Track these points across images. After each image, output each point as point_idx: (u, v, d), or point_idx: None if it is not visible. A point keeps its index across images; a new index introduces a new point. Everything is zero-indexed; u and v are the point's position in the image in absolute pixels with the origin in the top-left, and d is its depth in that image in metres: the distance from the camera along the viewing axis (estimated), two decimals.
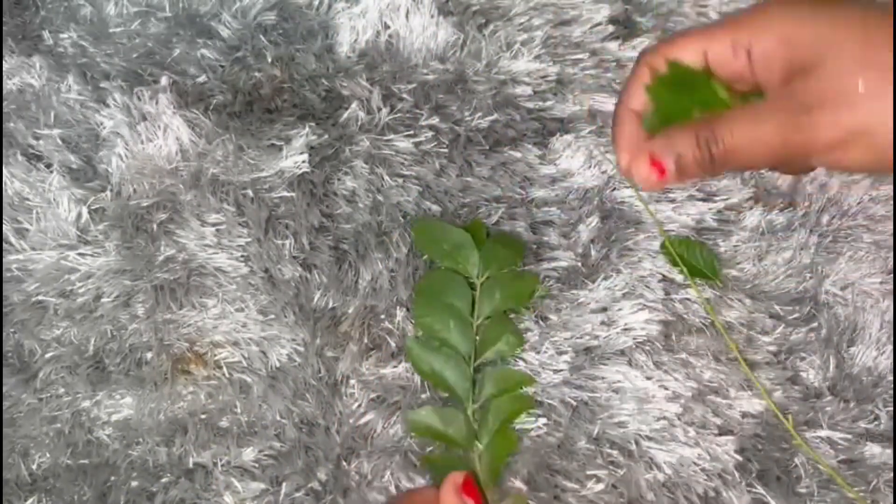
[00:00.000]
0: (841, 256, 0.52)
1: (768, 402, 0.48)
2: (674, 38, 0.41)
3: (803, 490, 0.47)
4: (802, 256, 0.52)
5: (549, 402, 0.48)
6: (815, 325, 0.50)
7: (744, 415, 0.48)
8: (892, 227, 0.52)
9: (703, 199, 0.53)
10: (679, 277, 0.51)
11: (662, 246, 0.51)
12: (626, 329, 0.49)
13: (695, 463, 0.47)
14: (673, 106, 0.41)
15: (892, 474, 0.47)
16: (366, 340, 0.49)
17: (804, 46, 0.37)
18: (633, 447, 0.47)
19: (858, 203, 0.53)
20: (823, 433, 0.48)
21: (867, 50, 0.36)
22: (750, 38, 0.39)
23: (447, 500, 0.43)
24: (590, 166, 0.53)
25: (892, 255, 0.52)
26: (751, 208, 0.53)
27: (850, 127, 0.36)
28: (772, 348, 0.50)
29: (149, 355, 0.49)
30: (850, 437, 0.48)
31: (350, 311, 0.50)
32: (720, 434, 0.48)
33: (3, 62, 0.54)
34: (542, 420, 0.48)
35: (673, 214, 0.52)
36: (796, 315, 0.50)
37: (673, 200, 0.53)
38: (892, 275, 0.51)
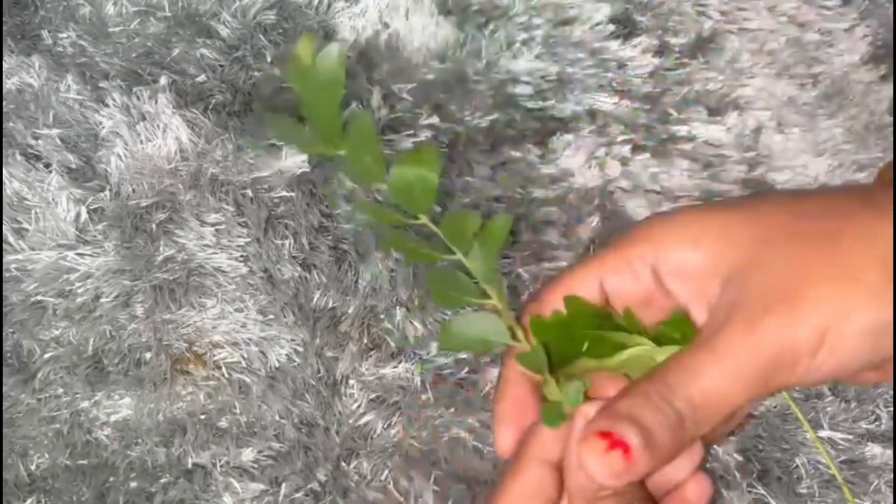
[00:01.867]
0: None
1: (788, 401, 0.48)
2: (558, 277, 0.34)
3: (804, 490, 0.47)
4: None
5: None
6: None
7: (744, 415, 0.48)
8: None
9: None
10: None
11: None
12: None
13: None
14: (569, 356, 0.33)
15: (892, 475, 0.47)
16: (365, 340, 0.49)
17: (728, 246, 0.31)
18: None
19: None
20: (825, 433, 0.48)
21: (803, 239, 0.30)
22: (653, 251, 0.32)
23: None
24: (590, 166, 0.53)
25: None
26: None
27: (819, 323, 0.29)
28: None
29: (148, 355, 0.49)
30: (851, 437, 0.48)
31: (350, 311, 0.50)
32: None
33: (3, 62, 0.54)
34: None
35: None
36: None
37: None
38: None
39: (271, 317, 0.49)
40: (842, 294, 0.30)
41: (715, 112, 0.55)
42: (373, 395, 0.48)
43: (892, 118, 0.56)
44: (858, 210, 0.31)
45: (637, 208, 0.52)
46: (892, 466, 0.47)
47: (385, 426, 0.48)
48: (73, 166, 0.51)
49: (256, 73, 0.54)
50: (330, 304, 0.50)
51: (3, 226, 0.50)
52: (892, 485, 0.47)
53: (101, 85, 0.53)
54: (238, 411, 0.48)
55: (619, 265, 0.33)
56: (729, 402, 0.30)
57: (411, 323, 0.49)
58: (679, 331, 0.33)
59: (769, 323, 0.30)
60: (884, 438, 0.48)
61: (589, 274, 0.34)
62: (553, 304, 0.34)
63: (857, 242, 0.30)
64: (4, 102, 0.53)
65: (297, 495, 0.47)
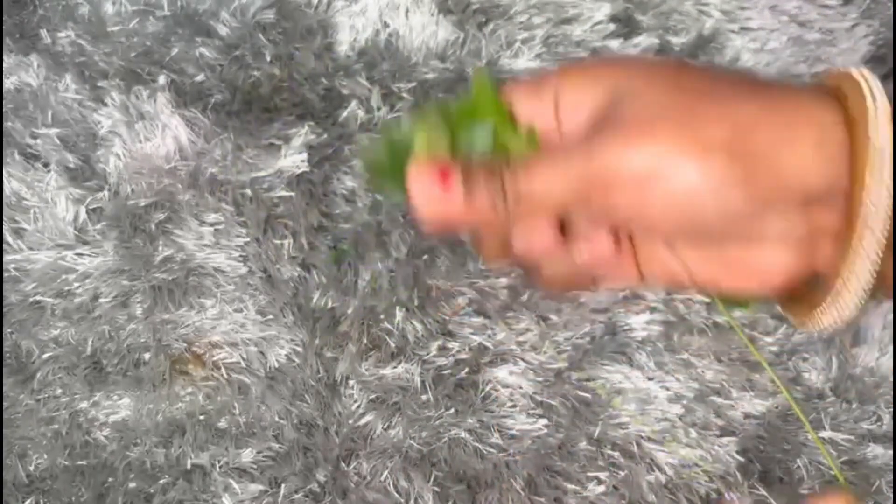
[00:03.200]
0: None
1: (789, 400, 0.48)
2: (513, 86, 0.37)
3: (806, 491, 0.47)
4: None
5: (550, 402, 0.48)
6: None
7: (746, 416, 0.48)
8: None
9: None
10: None
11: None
12: (627, 329, 0.49)
13: (697, 464, 0.47)
14: (467, 133, 0.36)
15: (892, 476, 0.47)
16: (365, 341, 0.49)
17: (609, 90, 0.34)
18: (635, 448, 0.47)
19: None
20: (826, 434, 0.48)
21: (672, 90, 0.33)
22: (563, 86, 0.35)
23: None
24: None
25: None
26: None
27: (646, 161, 0.32)
28: (774, 349, 0.49)
29: (147, 356, 0.49)
30: (852, 438, 0.48)
31: (349, 311, 0.49)
32: (722, 435, 0.47)
33: (2, 61, 0.54)
34: (543, 421, 0.47)
35: None
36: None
37: None
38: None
39: (270, 317, 0.49)
40: (680, 143, 0.31)
41: None
42: (372, 396, 0.48)
43: None
44: (747, 87, 0.33)
45: None
46: (892, 467, 0.47)
47: (385, 427, 0.48)
48: (72, 166, 0.51)
49: (256, 73, 0.54)
50: (329, 305, 0.50)
51: (3, 225, 0.50)
52: (892, 485, 0.47)
53: (99, 84, 0.53)
54: (237, 412, 0.48)
55: (531, 91, 0.36)
56: (550, 196, 0.34)
57: (411, 323, 0.49)
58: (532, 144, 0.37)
59: (609, 143, 0.32)
60: (885, 439, 0.48)
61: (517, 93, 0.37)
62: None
63: (722, 105, 0.32)
64: (3, 102, 0.53)
65: (297, 496, 0.47)
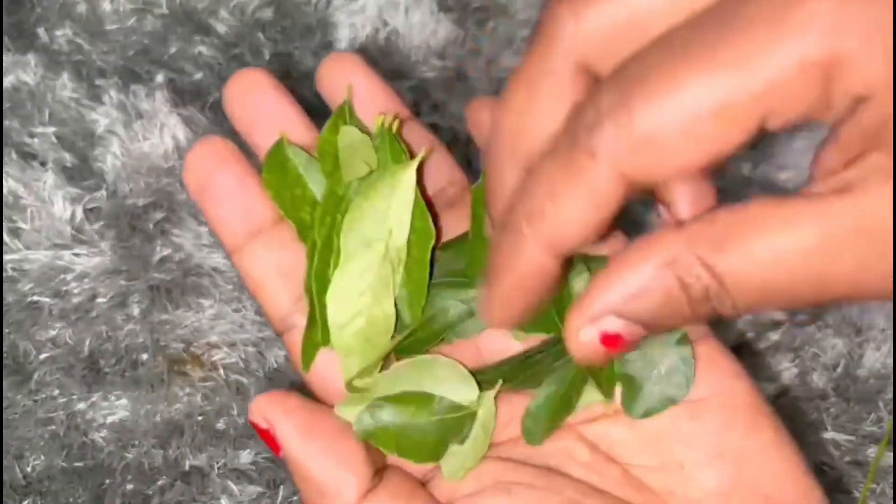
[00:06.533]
0: None
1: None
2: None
3: None
4: None
5: None
6: (820, 325, 0.50)
7: None
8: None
9: None
10: None
11: None
12: None
13: None
14: None
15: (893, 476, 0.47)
16: None
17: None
18: None
19: None
20: (828, 435, 0.47)
21: None
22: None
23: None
24: None
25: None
26: None
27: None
28: (776, 338, 0.49)
29: (144, 356, 0.48)
30: (854, 438, 0.47)
31: None
32: None
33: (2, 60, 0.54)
34: None
35: None
36: (802, 315, 0.50)
37: None
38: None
39: None
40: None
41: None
42: None
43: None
44: None
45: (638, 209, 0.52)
46: (893, 467, 0.47)
47: None
48: (69, 165, 0.51)
49: None
50: None
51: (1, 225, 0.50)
52: (893, 486, 0.46)
53: (97, 83, 0.53)
54: (236, 413, 0.48)
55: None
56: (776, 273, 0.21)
57: None
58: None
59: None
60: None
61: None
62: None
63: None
64: (1, 100, 0.53)
65: (295, 498, 0.46)
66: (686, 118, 0.21)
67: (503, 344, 0.31)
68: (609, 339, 0.23)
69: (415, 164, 0.30)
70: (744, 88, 0.20)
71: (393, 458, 0.29)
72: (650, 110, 0.21)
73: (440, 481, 0.29)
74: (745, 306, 0.22)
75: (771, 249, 0.21)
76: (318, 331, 0.30)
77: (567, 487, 0.28)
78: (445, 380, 0.29)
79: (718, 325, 0.31)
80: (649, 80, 0.21)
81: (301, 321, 0.30)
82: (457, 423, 0.29)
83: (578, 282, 0.30)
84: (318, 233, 0.30)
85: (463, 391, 0.29)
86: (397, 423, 0.28)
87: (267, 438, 0.28)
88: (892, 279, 0.21)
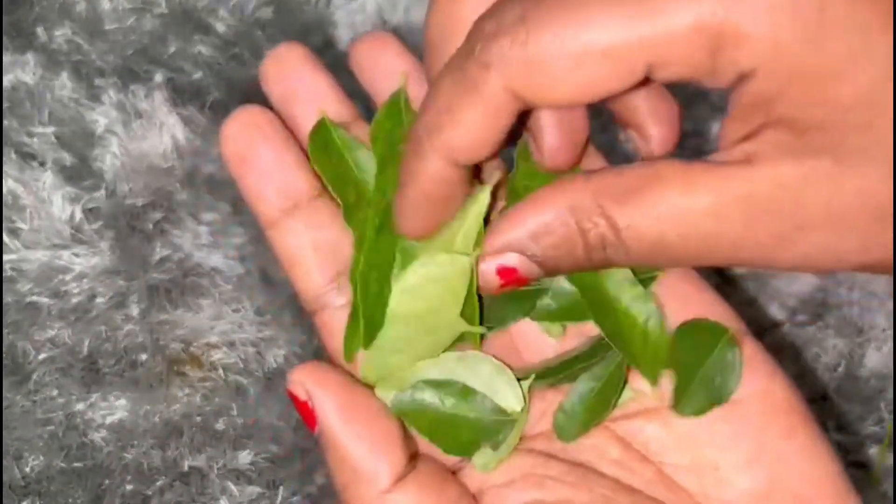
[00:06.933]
0: None
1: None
2: None
3: None
4: None
5: None
6: (820, 325, 0.50)
7: None
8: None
9: None
10: None
11: None
12: None
13: None
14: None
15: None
16: None
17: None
18: None
19: None
20: (829, 435, 0.47)
21: None
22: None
23: None
24: None
25: None
26: None
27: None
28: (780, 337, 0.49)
29: (143, 357, 0.48)
30: (856, 438, 0.47)
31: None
32: None
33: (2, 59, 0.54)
34: None
35: None
36: (802, 316, 0.50)
37: None
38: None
39: (269, 317, 0.49)
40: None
41: (718, 108, 0.55)
42: None
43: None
44: None
45: None
46: (893, 466, 0.47)
47: None
48: (68, 164, 0.51)
49: (254, 71, 0.54)
50: None
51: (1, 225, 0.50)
52: (893, 486, 0.46)
53: (96, 82, 0.53)
54: (235, 413, 0.48)
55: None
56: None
57: None
58: None
59: None
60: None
61: None
62: None
63: None
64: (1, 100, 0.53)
65: (295, 499, 0.46)
66: (578, 51, 0.22)
67: (538, 339, 0.31)
68: (505, 272, 0.25)
69: (488, 188, 0.29)
70: (634, 33, 0.22)
71: (424, 446, 0.29)
72: (546, 36, 0.22)
73: (471, 470, 0.29)
74: (638, 258, 0.24)
75: (668, 207, 0.23)
76: (359, 329, 0.29)
77: (598, 484, 0.28)
78: (492, 380, 0.29)
79: None
80: (554, 4, 0.22)
81: (335, 301, 0.30)
82: (494, 426, 0.29)
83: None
84: (370, 223, 0.29)
85: (509, 398, 0.29)
86: (436, 409, 0.28)
87: (303, 410, 0.28)
88: (769, 248, 0.23)
